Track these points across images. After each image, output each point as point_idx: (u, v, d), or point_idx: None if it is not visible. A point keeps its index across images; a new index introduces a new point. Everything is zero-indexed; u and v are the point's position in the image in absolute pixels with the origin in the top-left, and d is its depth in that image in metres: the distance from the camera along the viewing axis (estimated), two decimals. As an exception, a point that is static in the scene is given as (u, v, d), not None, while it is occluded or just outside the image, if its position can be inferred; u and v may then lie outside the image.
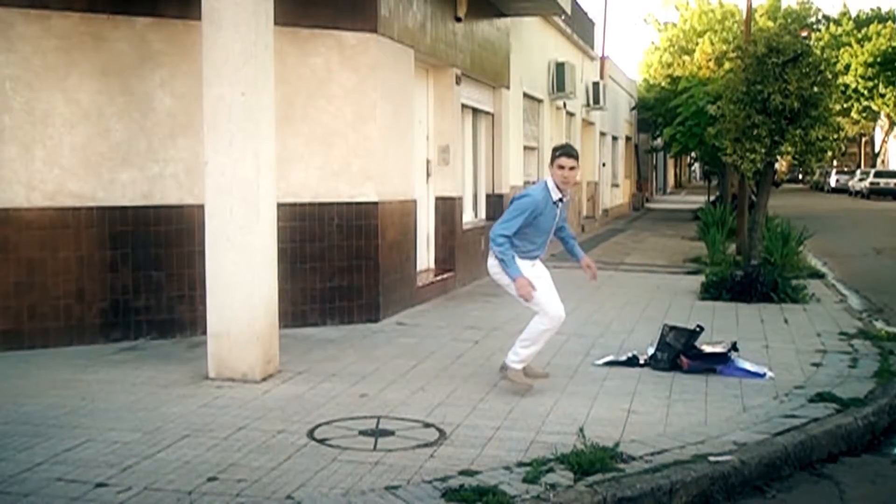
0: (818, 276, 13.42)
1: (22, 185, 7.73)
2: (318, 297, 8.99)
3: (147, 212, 8.18)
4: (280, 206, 7.40)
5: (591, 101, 24.98)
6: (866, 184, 47.86)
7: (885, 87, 53.43)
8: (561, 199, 6.51)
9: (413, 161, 10.48)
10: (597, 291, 11.90)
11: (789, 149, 11.43)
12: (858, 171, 54.19)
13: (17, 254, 7.71)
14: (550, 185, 6.43)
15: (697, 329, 7.44)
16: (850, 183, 52.18)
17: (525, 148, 17.30)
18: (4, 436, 5.31)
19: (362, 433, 5.45)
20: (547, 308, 6.38)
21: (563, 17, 18.76)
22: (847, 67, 51.67)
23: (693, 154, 31.55)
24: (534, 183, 17.72)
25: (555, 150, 6.57)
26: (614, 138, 32.42)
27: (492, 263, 6.46)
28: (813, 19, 61.08)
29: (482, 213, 13.93)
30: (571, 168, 6.41)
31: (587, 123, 26.03)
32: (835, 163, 57.23)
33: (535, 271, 6.48)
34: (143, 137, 8.16)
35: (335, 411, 5.92)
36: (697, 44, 48.40)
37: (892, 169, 56.19)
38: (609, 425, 5.60)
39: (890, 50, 52.62)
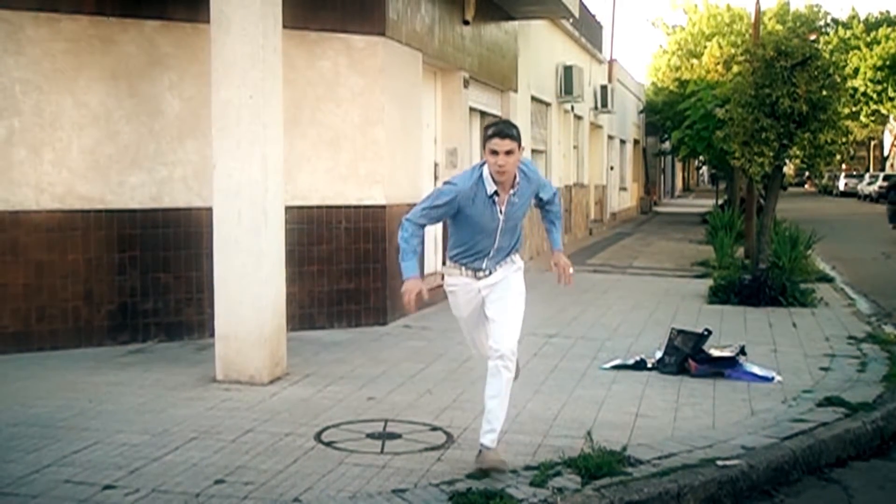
0: (827, 279, 13.38)
1: (31, 188, 7.75)
2: (325, 299, 9.00)
3: (155, 214, 8.20)
4: (288, 208, 7.41)
5: (599, 105, 25.00)
6: (875, 187, 47.71)
7: (895, 91, 53.25)
8: (497, 193, 4.84)
9: (421, 164, 10.49)
10: (604, 295, 11.89)
11: (798, 152, 11.40)
12: (867, 175, 54.02)
13: (26, 256, 7.73)
14: (486, 174, 4.84)
15: (705, 333, 7.42)
16: (859, 187, 52.05)
17: (533, 151, 17.29)
18: (13, 437, 5.32)
19: (370, 436, 5.45)
20: (468, 345, 5.43)
21: (570, 21, 18.78)
22: (856, 71, 51.49)
23: (701, 157, 31.47)
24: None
25: (486, 129, 4.93)
26: (622, 142, 32.41)
27: (447, 281, 5.14)
28: (822, 22, 60.90)
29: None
30: (508, 152, 4.72)
31: (595, 127, 26.02)
32: (843, 166, 57.01)
33: (482, 295, 5.01)
34: (152, 140, 8.18)
35: (342, 414, 5.92)
36: (706, 47, 48.22)
37: (900, 172, 56.00)
38: (617, 429, 5.59)
39: (899, 53, 52.49)
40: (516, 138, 4.78)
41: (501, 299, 4.95)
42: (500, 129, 4.79)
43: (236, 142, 6.71)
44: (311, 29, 8.82)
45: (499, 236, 4.94)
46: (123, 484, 4.56)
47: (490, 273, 4.99)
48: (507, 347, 4.80)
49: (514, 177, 4.86)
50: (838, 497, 5.01)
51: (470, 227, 4.91)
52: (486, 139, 4.82)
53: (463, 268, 5.00)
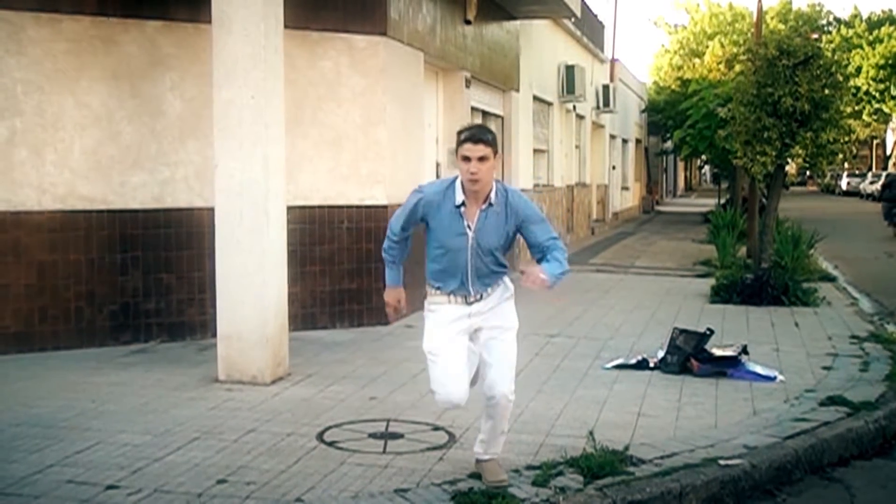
0: (829, 279, 13.37)
1: (33, 188, 7.76)
2: (327, 299, 9.00)
3: (157, 215, 8.20)
4: (289, 208, 7.41)
5: (601, 104, 24.99)
6: (877, 186, 47.64)
7: (897, 90, 53.26)
8: (465, 204, 4.45)
9: (422, 164, 10.49)
10: (606, 294, 11.89)
11: (800, 151, 11.40)
12: (870, 174, 54.00)
13: (28, 256, 7.73)
14: (458, 183, 4.51)
15: (707, 332, 7.42)
16: (862, 185, 52.03)
17: (535, 151, 17.29)
18: (15, 438, 5.33)
19: (372, 436, 5.46)
20: (430, 378, 4.65)
21: (572, 20, 18.77)
22: (858, 70, 51.46)
23: (703, 157, 31.47)
24: (541, 186, 17.78)
25: (458, 133, 4.52)
26: (624, 141, 32.40)
27: (429, 304, 4.68)
28: (824, 21, 60.90)
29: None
30: (481, 158, 4.35)
31: (597, 126, 26.01)
32: (846, 165, 57.01)
33: (470, 322, 4.55)
34: (153, 141, 8.19)
35: (345, 414, 5.92)
36: (707, 46, 48.28)
37: (903, 171, 55.95)
38: (619, 428, 5.59)
39: (901, 52, 52.47)
40: (490, 143, 4.40)
41: (495, 339, 4.56)
42: (472, 134, 4.43)
43: (238, 142, 6.71)
44: (313, 29, 8.82)
45: (472, 257, 4.47)
46: (126, 484, 4.56)
47: (481, 297, 4.55)
48: (501, 392, 4.52)
49: (490, 192, 4.47)
50: (840, 496, 5.01)
51: (439, 243, 4.54)
52: (457, 144, 4.45)
53: (451, 295, 4.55)
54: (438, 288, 4.59)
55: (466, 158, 4.37)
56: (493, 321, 4.58)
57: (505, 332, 4.59)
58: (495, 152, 4.42)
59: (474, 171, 4.36)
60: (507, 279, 4.67)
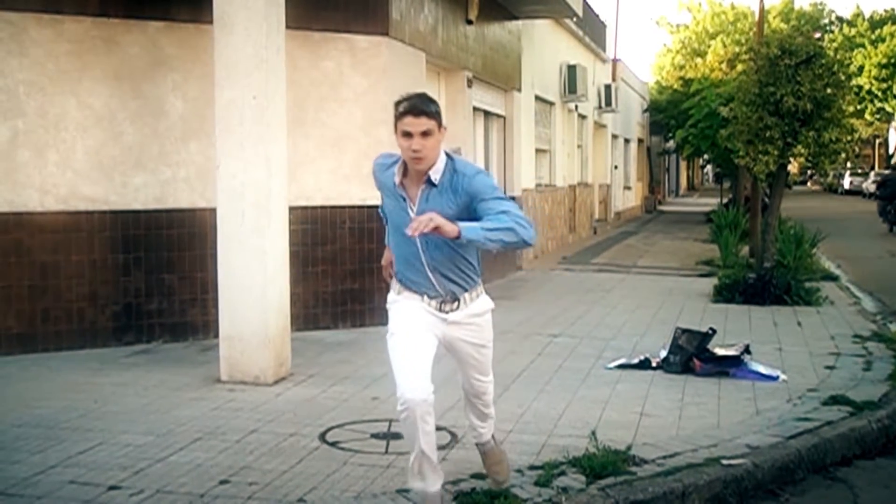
0: (832, 278, 13.35)
1: (35, 189, 7.76)
2: (329, 300, 9.00)
3: (159, 215, 8.21)
4: (291, 209, 7.41)
5: (603, 104, 24.99)
6: (878, 185, 47.58)
7: (899, 89, 53.24)
8: (400, 185, 4.00)
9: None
10: (609, 294, 11.89)
11: (802, 151, 11.40)
12: (872, 173, 53.94)
13: (31, 257, 7.74)
14: (401, 162, 4.02)
15: (710, 332, 7.41)
16: (864, 185, 51.96)
17: (537, 151, 17.29)
18: (18, 438, 5.33)
19: (374, 436, 5.45)
20: (395, 376, 4.24)
21: (574, 20, 18.77)
22: (860, 69, 51.43)
23: (705, 156, 31.45)
24: (543, 186, 17.77)
25: (396, 105, 3.94)
26: (626, 141, 32.40)
27: (393, 297, 4.41)
28: (826, 20, 60.86)
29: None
30: (425, 133, 3.82)
31: (599, 126, 26.01)
32: (848, 164, 56.98)
33: (443, 326, 4.17)
34: (156, 141, 8.19)
35: (347, 414, 5.92)
36: (710, 46, 48.25)
37: (906, 171, 55.86)
38: (621, 428, 5.58)
39: (904, 51, 52.45)
40: (435, 115, 3.84)
41: (474, 357, 4.29)
42: (413, 105, 3.84)
43: (240, 142, 6.71)
44: (315, 29, 8.82)
45: (423, 245, 4.00)
46: (128, 484, 4.56)
47: (458, 305, 4.13)
48: (482, 388, 4.42)
49: (433, 167, 3.92)
50: (843, 496, 5.00)
51: (391, 224, 4.18)
52: (396, 118, 3.88)
53: (425, 296, 4.15)
54: (407, 287, 4.22)
55: (407, 134, 3.83)
56: (473, 338, 4.23)
57: (484, 349, 4.32)
58: (440, 125, 3.88)
59: (417, 149, 3.82)
60: (482, 292, 4.31)
